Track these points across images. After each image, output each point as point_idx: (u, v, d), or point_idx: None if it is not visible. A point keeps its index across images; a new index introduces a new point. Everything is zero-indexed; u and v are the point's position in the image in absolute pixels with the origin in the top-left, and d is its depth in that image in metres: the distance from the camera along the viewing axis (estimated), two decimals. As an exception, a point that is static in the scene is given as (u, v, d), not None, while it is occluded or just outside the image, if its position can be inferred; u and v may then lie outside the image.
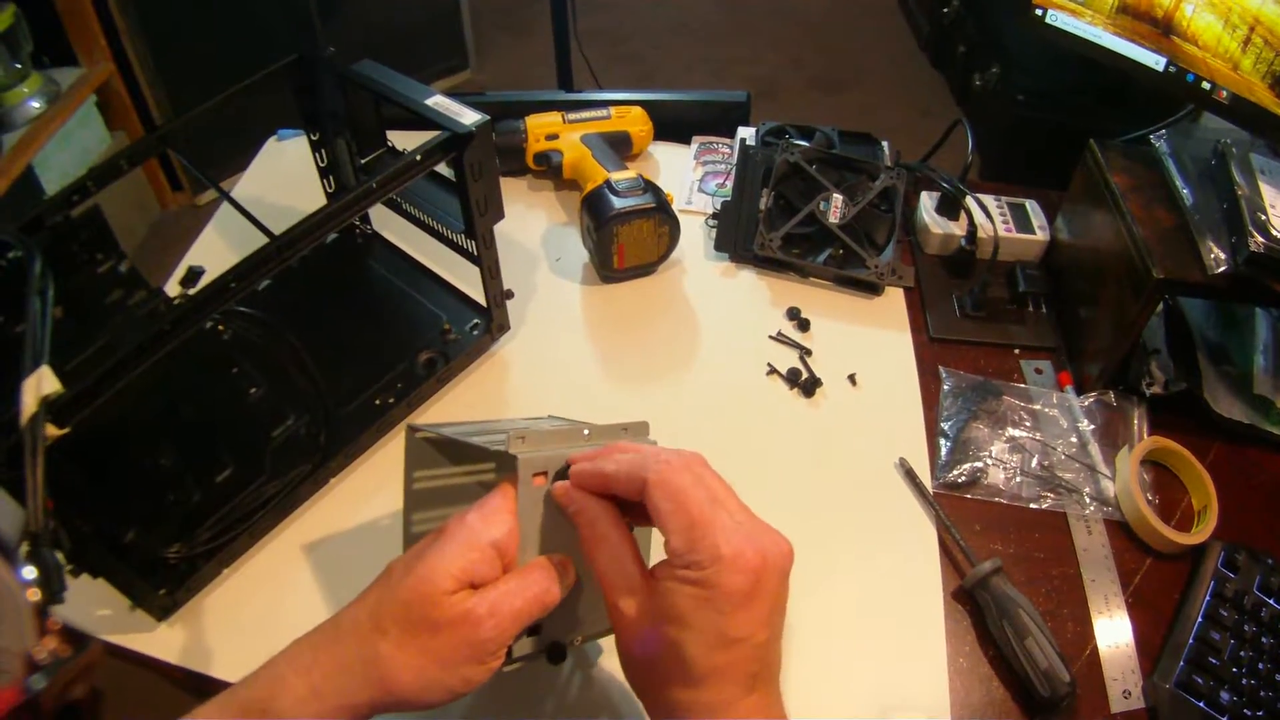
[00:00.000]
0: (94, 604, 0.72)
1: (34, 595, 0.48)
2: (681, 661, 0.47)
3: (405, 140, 0.90)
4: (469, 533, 0.51)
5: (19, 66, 1.97)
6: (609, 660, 0.70)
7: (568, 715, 0.68)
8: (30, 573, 0.48)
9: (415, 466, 0.64)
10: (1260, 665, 0.71)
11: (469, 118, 0.74)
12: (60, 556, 0.52)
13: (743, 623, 0.47)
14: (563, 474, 0.55)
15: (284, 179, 1.14)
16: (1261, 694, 0.70)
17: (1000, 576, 0.73)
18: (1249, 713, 0.69)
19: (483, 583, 0.51)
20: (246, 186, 1.16)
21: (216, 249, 1.06)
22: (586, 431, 0.58)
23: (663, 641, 0.48)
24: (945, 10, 2.98)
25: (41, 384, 0.53)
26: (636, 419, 0.61)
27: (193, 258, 1.04)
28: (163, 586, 0.71)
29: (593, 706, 0.68)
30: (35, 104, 2.00)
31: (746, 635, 0.47)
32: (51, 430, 0.53)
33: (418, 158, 0.72)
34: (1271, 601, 0.75)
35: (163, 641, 0.72)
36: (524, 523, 0.53)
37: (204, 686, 0.69)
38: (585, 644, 0.62)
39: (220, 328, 0.84)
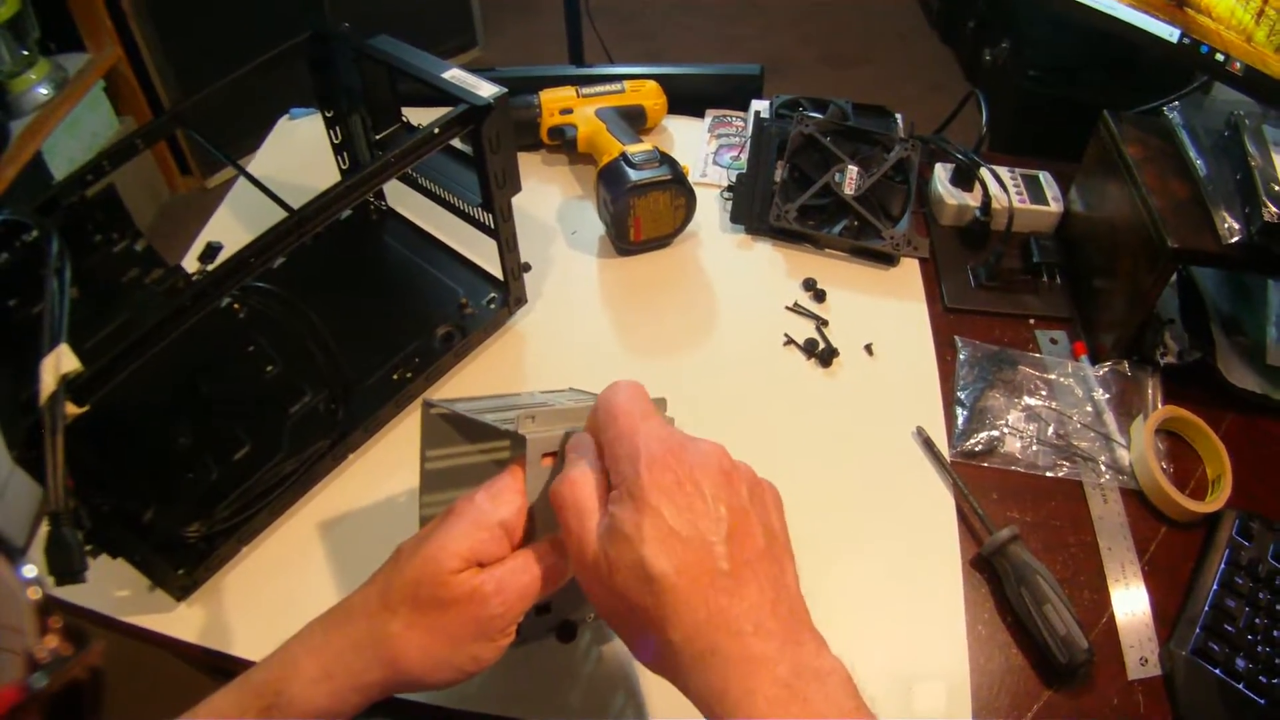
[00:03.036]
0: (113, 585, 0.72)
1: (35, 593, 0.48)
2: (648, 580, 0.43)
3: (417, 117, 0.90)
4: (477, 512, 0.51)
5: (26, 53, 1.97)
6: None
7: (584, 693, 0.68)
8: (31, 571, 0.49)
9: (430, 444, 0.63)
10: (1275, 632, 0.71)
11: (487, 90, 0.74)
12: (79, 536, 0.52)
13: (680, 518, 0.43)
14: None
15: (296, 158, 1.14)
16: (1276, 661, 0.70)
17: (1018, 544, 0.74)
18: (1264, 679, 0.69)
19: (490, 562, 0.51)
20: (259, 166, 1.15)
21: (231, 229, 1.05)
22: None
23: (620, 567, 0.44)
24: (954, -15, 2.96)
25: (60, 362, 0.53)
26: (654, 393, 0.59)
27: (207, 238, 1.03)
28: (181, 566, 0.71)
29: (610, 683, 0.68)
30: (43, 90, 2.00)
31: (692, 533, 0.43)
32: (71, 408, 0.53)
33: (436, 130, 0.72)
34: (1286, 569, 0.75)
35: (182, 621, 0.72)
36: (532, 503, 0.53)
37: (224, 665, 0.70)
38: (597, 620, 0.61)
39: (236, 305, 0.84)
